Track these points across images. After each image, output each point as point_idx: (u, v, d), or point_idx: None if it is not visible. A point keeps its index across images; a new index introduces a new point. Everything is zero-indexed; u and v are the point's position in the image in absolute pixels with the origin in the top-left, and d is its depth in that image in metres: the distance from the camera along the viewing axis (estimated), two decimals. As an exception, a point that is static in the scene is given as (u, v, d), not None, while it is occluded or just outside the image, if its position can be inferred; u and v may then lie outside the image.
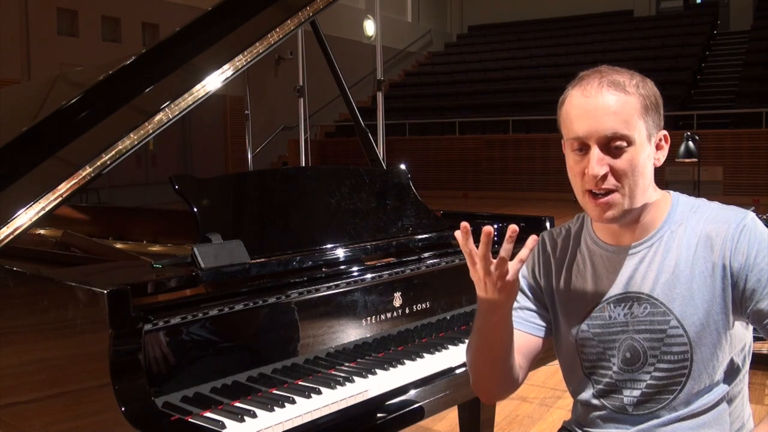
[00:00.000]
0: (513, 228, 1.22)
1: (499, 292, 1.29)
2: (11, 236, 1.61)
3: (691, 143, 6.35)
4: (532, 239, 1.27)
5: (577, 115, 1.33)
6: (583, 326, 1.44)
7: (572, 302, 1.47)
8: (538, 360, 1.55)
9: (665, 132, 1.38)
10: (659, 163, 1.38)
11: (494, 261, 1.26)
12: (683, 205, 1.40)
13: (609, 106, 1.30)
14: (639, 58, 15.69)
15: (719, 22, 19.56)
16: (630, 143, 1.31)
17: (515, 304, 1.53)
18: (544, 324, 1.52)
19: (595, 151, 1.31)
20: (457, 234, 1.26)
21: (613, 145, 1.30)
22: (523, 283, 1.54)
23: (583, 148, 1.33)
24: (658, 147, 1.37)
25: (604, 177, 1.31)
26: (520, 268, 1.29)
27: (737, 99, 14.65)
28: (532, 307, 1.52)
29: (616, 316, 1.40)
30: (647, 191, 1.36)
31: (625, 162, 1.31)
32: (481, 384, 1.50)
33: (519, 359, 1.49)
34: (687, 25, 18.73)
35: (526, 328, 1.51)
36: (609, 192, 1.32)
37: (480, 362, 1.45)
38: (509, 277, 1.28)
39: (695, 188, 7.93)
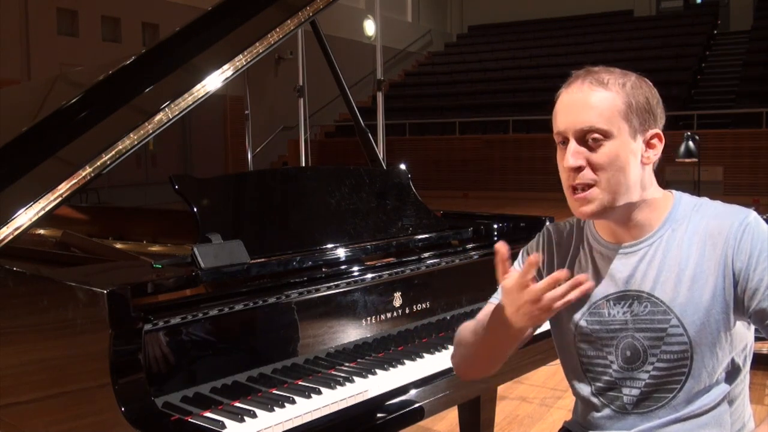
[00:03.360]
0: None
1: (531, 320, 1.30)
2: (11, 236, 1.61)
3: (691, 143, 6.34)
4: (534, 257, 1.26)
5: (560, 110, 1.37)
6: (582, 323, 1.44)
7: None
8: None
9: (657, 131, 1.38)
10: (649, 162, 1.37)
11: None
12: (685, 204, 1.40)
13: (587, 101, 1.33)
14: (639, 58, 15.68)
15: (719, 22, 19.56)
16: (607, 137, 1.32)
17: None
18: None
19: (572, 144, 1.34)
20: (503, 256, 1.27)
21: (589, 138, 1.32)
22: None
23: (566, 142, 1.36)
24: (649, 146, 1.37)
25: (580, 169, 1.33)
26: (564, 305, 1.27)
27: (737, 99, 14.64)
28: None
29: (615, 314, 1.40)
30: (633, 189, 1.35)
31: (603, 156, 1.32)
32: (463, 366, 1.55)
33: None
34: (687, 25, 18.73)
35: None
36: (587, 186, 1.33)
37: (471, 355, 1.49)
38: (552, 308, 1.27)
39: (695, 188, 7.92)
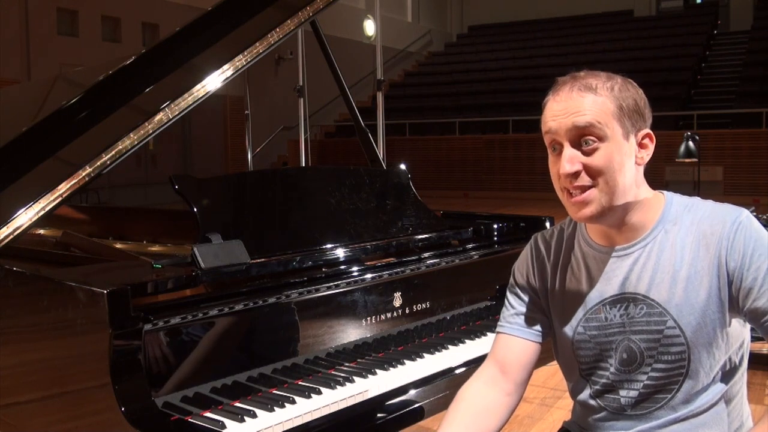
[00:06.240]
0: None
1: None
2: (11, 236, 1.61)
3: (691, 143, 6.34)
4: None
5: (549, 116, 1.35)
6: (580, 329, 1.44)
7: (568, 305, 1.46)
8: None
9: (648, 131, 1.38)
10: (642, 162, 1.37)
11: None
12: (677, 205, 1.40)
13: (578, 106, 1.32)
14: (639, 58, 15.71)
15: (719, 22, 19.57)
16: (601, 139, 1.31)
17: (512, 311, 1.52)
18: (542, 329, 1.51)
19: (566, 149, 1.32)
20: None
21: (583, 141, 1.31)
22: (519, 288, 1.54)
23: (558, 147, 1.34)
24: (641, 146, 1.37)
25: (577, 174, 1.32)
26: None
27: (737, 99, 14.65)
28: (530, 312, 1.51)
29: (612, 317, 1.40)
30: (629, 190, 1.35)
31: (599, 159, 1.31)
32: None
33: (520, 375, 1.48)
34: (687, 25, 18.74)
35: (527, 335, 1.50)
36: (585, 189, 1.32)
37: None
38: None
39: (695, 188, 7.92)
